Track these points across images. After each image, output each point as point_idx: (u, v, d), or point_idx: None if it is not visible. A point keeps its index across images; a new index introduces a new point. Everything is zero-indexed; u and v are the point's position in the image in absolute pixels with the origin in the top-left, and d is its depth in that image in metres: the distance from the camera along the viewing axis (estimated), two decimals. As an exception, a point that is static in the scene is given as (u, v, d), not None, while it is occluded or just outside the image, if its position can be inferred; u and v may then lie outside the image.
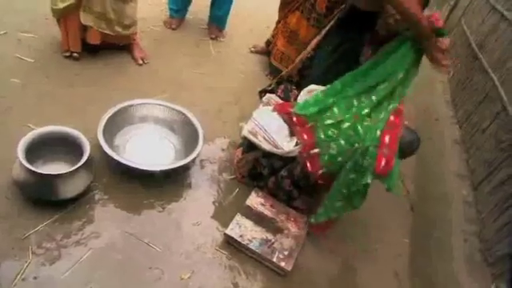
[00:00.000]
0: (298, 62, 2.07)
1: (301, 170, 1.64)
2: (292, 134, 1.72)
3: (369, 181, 1.48)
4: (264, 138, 1.67)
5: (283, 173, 1.70)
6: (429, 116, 2.93)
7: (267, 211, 1.72)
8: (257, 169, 1.81)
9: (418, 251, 1.90)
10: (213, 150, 2.01)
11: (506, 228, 1.58)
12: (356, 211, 1.97)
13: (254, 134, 1.67)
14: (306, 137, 1.64)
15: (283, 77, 2.01)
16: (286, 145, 1.67)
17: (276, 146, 1.66)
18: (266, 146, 1.66)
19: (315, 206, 1.84)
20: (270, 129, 1.69)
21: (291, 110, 1.72)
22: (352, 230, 1.87)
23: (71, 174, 1.47)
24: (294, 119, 1.72)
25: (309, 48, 2.03)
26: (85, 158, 1.51)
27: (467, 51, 3.12)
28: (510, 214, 1.60)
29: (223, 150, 2.03)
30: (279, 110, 1.76)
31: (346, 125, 1.56)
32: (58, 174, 1.45)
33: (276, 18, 2.80)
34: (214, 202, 1.78)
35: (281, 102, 1.79)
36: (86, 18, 2.21)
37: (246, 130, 1.69)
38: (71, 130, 1.62)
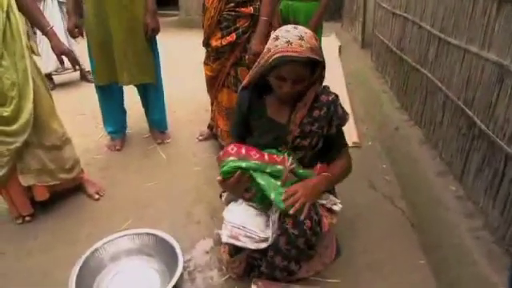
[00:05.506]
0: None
1: (286, 239, 1.54)
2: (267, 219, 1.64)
3: None
4: (246, 236, 1.57)
5: (270, 253, 1.59)
6: (388, 128, 2.95)
7: (274, 299, 1.59)
8: (253, 263, 1.70)
9: (437, 268, 1.78)
10: (197, 256, 1.88)
11: (509, 205, 1.51)
12: (362, 250, 1.86)
13: (235, 237, 1.57)
14: None
15: None
16: (267, 231, 1.59)
17: (259, 238, 1.57)
18: (251, 245, 1.56)
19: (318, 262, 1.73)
20: (247, 223, 1.60)
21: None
22: (364, 272, 1.76)
23: None
24: None
25: None
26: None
27: (393, 56, 3.26)
28: (505, 190, 1.54)
29: (207, 252, 1.90)
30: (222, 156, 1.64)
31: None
32: None
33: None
34: (216, 313, 1.62)
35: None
36: (26, 180, 2.11)
37: (225, 235, 1.59)
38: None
